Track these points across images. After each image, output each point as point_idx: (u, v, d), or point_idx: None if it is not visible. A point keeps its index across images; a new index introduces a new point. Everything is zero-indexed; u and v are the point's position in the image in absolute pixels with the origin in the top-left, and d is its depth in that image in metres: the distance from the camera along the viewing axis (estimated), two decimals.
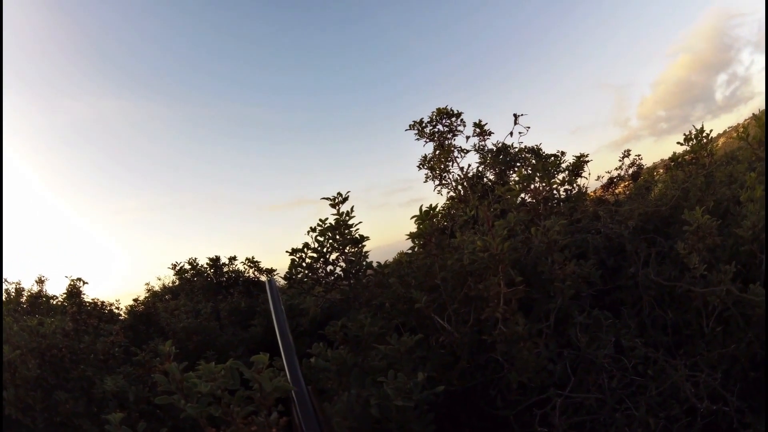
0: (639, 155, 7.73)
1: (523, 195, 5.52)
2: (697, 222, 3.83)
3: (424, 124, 7.35)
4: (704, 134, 5.59)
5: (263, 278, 7.68)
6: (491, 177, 7.53)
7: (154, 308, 6.32)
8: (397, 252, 7.14)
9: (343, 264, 4.68)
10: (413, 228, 3.97)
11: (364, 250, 4.62)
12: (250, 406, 1.84)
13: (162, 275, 9.50)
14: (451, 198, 7.53)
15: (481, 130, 7.31)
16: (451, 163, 7.37)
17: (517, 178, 5.37)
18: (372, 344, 3.53)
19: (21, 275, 7.92)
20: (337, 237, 4.54)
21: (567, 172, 6.21)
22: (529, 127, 7.06)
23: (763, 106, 5.73)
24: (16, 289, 7.29)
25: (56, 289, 8.91)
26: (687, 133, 5.66)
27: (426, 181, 7.60)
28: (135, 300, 6.54)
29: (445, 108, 7.21)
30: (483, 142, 7.45)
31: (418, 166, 7.67)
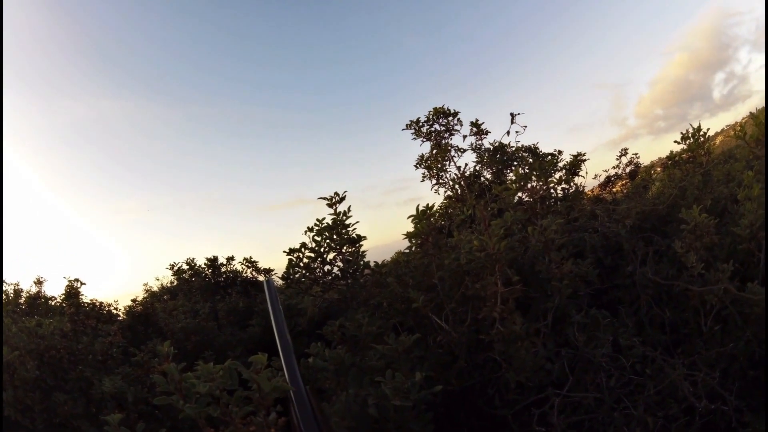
0: (636, 154, 7.75)
1: (520, 194, 5.52)
2: (694, 221, 3.84)
3: (420, 124, 7.36)
4: (701, 133, 5.60)
5: (261, 278, 7.68)
6: (488, 176, 7.55)
7: (153, 309, 6.32)
8: (395, 251, 7.16)
9: (340, 264, 4.68)
10: (410, 227, 3.98)
11: (362, 249, 4.62)
12: (248, 407, 1.84)
13: (160, 275, 9.52)
14: (448, 197, 7.54)
15: (478, 129, 7.32)
16: (448, 163, 7.38)
17: (514, 177, 5.37)
18: (370, 344, 3.54)
19: (22, 276, 7.93)
20: (335, 237, 4.54)
21: (564, 171, 6.22)
22: (525, 126, 7.06)
23: (760, 105, 5.75)
24: (14, 290, 7.29)
25: (56, 289, 8.92)
26: (684, 131, 5.67)
27: (423, 181, 7.62)
28: (133, 300, 6.54)
29: (442, 107, 7.21)
30: (480, 141, 7.46)
31: (415, 166, 7.68)
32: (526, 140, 7.88)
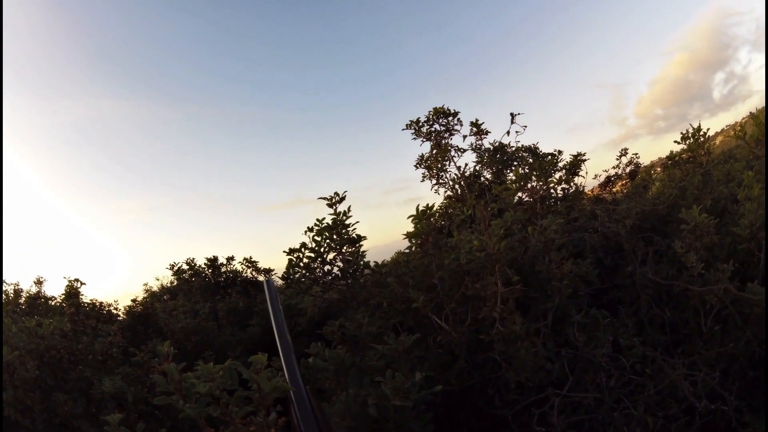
0: (636, 154, 7.74)
1: (520, 194, 5.52)
2: (694, 221, 3.83)
3: (420, 124, 7.36)
4: (701, 133, 5.60)
5: (261, 278, 7.68)
6: (488, 176, 7.54)
7: (153, 309, 6.32)
8: (395, 251, 7.16)
9: (340, 264, 4.68)
10: (410, 227, 3.98)
11: (362, 249, 4.61)
12: (248, 407, 1.84)
13: (160, 275, 9.51)
14: (448, 197, 7.54)
15: (478, 129, 7.32)
16: (448, 163, 7.38)
17: (514, 177, 5.37)
18: (370, 344, 3.53)
19: (23, 276, 7.93)
20: (335, 237, 4.53)
21: (564, 171, 6.21)
22: (525, 126, 7.06)
23: (760, 105, 5.74)
24: (14, 290, 7.29)
25: (56, 289, 8.92)
26: (684, 131, 5.67)
27: (423, 181, 7.62)
28: (133, 300, 6.54)
29: (442, 107, 7.21)
30: (480, 141, 7.46)
31: (415, 166, 7.68)
32: (526, 140, 7.90)
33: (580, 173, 6.32)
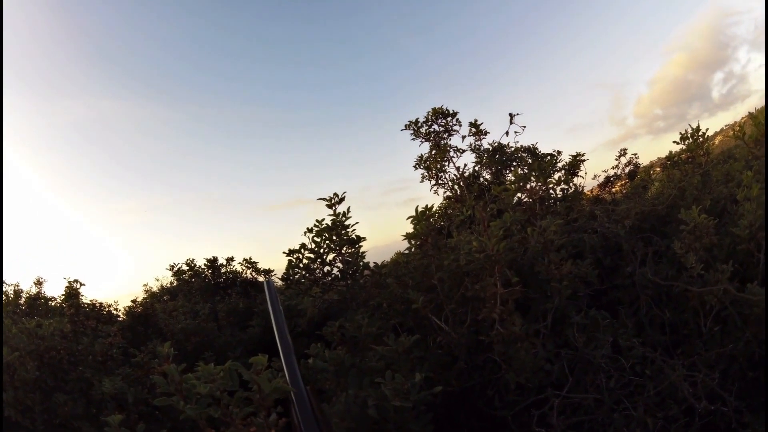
0: (635, 154, 7.76)
1: (519, 195, 5.53)
2: (693, 221, 3.84)
3: (419, 124, 7.37)
4: (700, 133, 5.60)
5: (261, 279, 7.69)
6: (487, 177, 7.55)
7: (153, 309, 6.32)
8: (395, 252, 7.16)
9: (340, 265, 4.68)
10: (410, 228, 3.98)
11: (361, 250, 4.61)
12: (249, 407, 1.85)
13: (160, 276, 9.53)
14: (447, 198, 7.55)
15: (477, 130, 7.32)
16: (447, 163, 7.39)
17: (513, 178, 5.38)
18: (369, 345, 3.54)
19: (22, 276, 7.94)
20: (334, 238, 4.54)
21: (563, 172, 6.23)
22: (525, 127, 7.07)
23: (759, 104, 5.75)
24: (14, 290, 7.29)
25: (56, 290, 8.93)
26: (683, 132, 5.68)
27: (422, 181, 7.62)
28: (133, 301, 6.54)
29: (441, 108, 7.22)
30: (479, 142, 7.47)
31: (414, 166, 7.68)
32: (525, 140, 7.89)
33: (579, 173, 6.34)
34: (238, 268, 7.68)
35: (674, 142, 5.82)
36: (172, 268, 7.62)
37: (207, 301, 7.15)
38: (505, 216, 3.99)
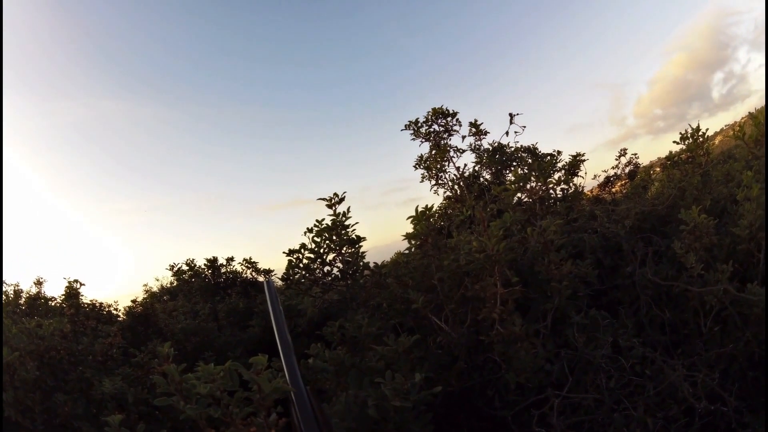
0: (635, 154, 7.76)
1: (519, 195, 5.53)
2: (693, 221, 3.84)
3: (419, 124, 7.38)
4: (700, 133, 5.60)
5: (261, 279, 7.69)
6: (487, 177, 7.55)
7: (153, 309, 6.31)
8: (395, 252, 7.16)
9: (340, 265, 4.68)
10: (410, 228, 3.98)
11: (361, 250, 4.61)
12: (249, 408, 1.85)
13: (160, 276, 9.53)
14: (447, 198, 7.55)
15: (477, 130, 7.32)
16: (447, 163, 7.39)
17: (513, 178, 5.38)
18: (370, 345, 3.54)
19: (23, 276, 7.93)
20: (334, 238, 4.54)
21: (563, 172, 6.23)
22: (524, 127, 7.07)
23: (759, 104, 5.75)
24: (14, 290, 7.29)
25: (57, 290, 8.92)
26: (683, 132, 5.67)
27: (422, 181, 7.62)
28: (133, 301, 6.53)
29: (441, 108, 7.23)
30: (479, 142, 7.47)
31: (415, 166, 7.69)
32: (525, 140, 7.89)
33: (579, 173, 6.34)
34: (238, 268, 7.68)
35: (674, 142, 5.82)
36: (172, 268, 7.62)
37: (207, 301, 7.15)
38: (505, 216, 4.00)
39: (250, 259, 7.73)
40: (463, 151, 7.43)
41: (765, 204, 3.82)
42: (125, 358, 4.79)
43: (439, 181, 7.52)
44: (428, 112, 7.30)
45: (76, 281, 6.00)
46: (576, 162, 6.34)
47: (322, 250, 4.61)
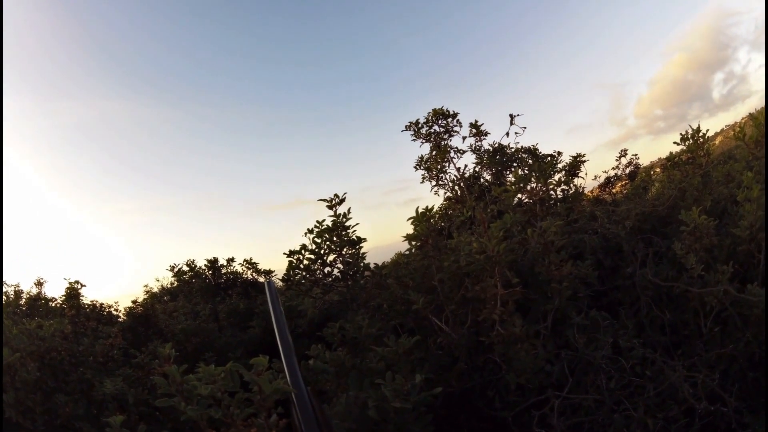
0: (636, 155, 7.73)
1: (519, 195, 5.53)
2: (694, 222, 3.84)
3: (420, 125, 7.38)
4: (701, 134, 5.60)
5: (261, 279, 7.71)
6: (488, 177, 7.55)
7: (153, 310, 6.31)
8: (395, 252, 7.17)
9: (340, 266, 4.68)
10: (410, 229, 3.98)
11: (362, 251, 4.62)
12: (249, 408, 1.85)
13: (161, 276, 9.53)
14: (448, 199, 7.55)
15: (478, 131, 7.33)
16: (447, 164, 7.39)
17: (513, 179, 5.38)
18: (370, 346, 3.54)
19: (24, 277, 7.93)
20: (335, 239, 4.54)
21: (564, 173, 6.22)
22: (525, 128, 7.07)
23: (759, 105, 5.76)
24: (15, 291, 7.28)
25: (58, 290, 8.92)
26: (684, 132, 5.68)
27: (423, 182, 7.63)
28: (134, 302, 6.54)
29: (441, 109, 7.23)
30: (479, 143, 7.48)
31: (415, 167, 7.69)
32: (525, 141, 7.90)
33: (579, 174, 6.33)
34: (239, 268, 7.70)
35: (674, 142, 5.83)
36: (172, 268, 7.63)
37: (207, 301, 7.16)
38: (505, 217, 4.00)
39: (251, 259, 7.75)
40: (464, 152, 7.44)
41: (765, 205, 3.82)
42: (126, 359, 4.79)
43: (440, 182, 7.53)
44: (428, 113, 7.31)
45: (76, 282, 6.01)
46: (576, 163, 6.34)
47: (322, 251, 4.61)
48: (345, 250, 4.61)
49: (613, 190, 7.87)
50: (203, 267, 7.63)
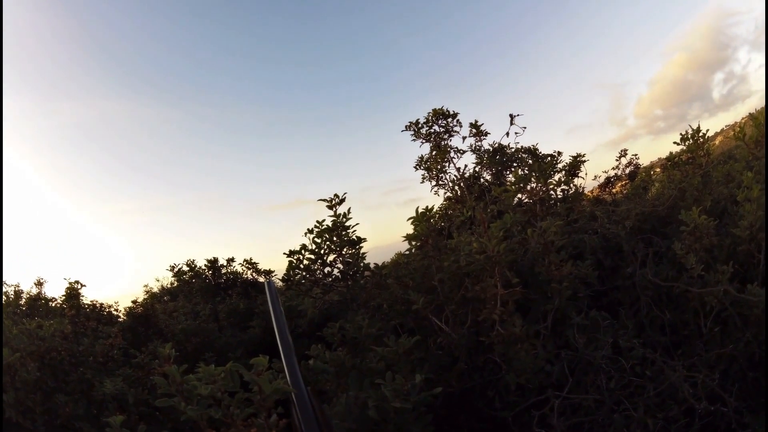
0: (636, 155, 7.73)
1: (519, 195, 5.53)
2: (694, 222, 3.84)
3: (420, 125, 7.37)
4: (701, 134, 5.60)
5: (261, 279, 7.71)
6: (488, 177, 7.55)
7: (153, 310, 6.31)
8: (395, 252, 7.17)
9: (340, 266, 4.68)
10: (410, 229, 3.98)
11: (362, 251, 4.61)
12: (249, 408, 1.85)
13: (161, 276, 9.53)
14: (448, 199, 7.55)
15: (478, 131, 7.33)
16: (447, 164, 7.39)
17: (513, 179, 5.38)
18: (370, 346, 3.54)
19: (24, 277, 7.93)
20: (335, 239, 4.54)
21: (563, 173, 6.22)
22: (525, 128, 7.07)
23: (759, 105, 5.75)
24: (15, 291, 7.28)
25: (58, 290, 8.92)
26: (684, 132, 5.68)
27: (423, 182, 7.63)
28: (134, 302, 6.53)
29: (441, 109, 7.23)
30: (479, 143, 7.48)
31: (415, 167, 7.69)
32: (525, 141, 7.89)
33: (579, 174, 6.33)
34: (239, 268, 7.70)
35: (674, 142, 5.83)
36: (172, 268, 7.63)
37: (207, 301, 7.16)
38: (505, 217, 3.99)
39: (251, 259, 7.75)
40: (464, 152, 7.44)
41: (765, 205, 3.81)
42: (126, 359, 4.79)
43: (440, 182, 7.53)
44: (428, 113, 7.30)
45: (76, 282, 6.01)
46: (576, 163, 6.33)
47: (322, 251, 4.61)
48: (345, 250, 4.61)
49: (613, 190, 7.86)
50: (203, 267, 7.64)
